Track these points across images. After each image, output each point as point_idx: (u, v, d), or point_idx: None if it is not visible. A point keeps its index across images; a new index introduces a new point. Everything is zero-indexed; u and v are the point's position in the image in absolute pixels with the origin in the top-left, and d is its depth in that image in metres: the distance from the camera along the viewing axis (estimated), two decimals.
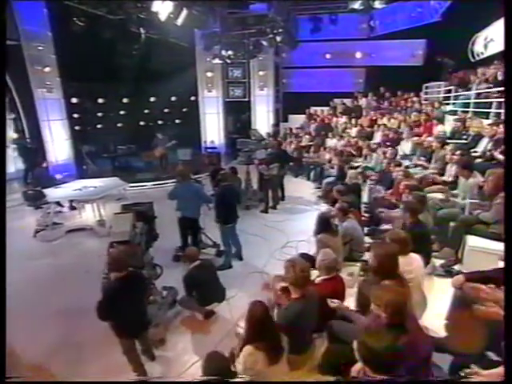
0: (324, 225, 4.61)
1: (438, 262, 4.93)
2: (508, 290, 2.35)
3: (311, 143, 12.05)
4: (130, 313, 3.31)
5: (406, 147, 8.99)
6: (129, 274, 3.26)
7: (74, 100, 12.23)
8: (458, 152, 6.57)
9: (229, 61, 12.69)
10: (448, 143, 7.67)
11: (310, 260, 3.94)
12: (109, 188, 8.19)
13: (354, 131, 11.91)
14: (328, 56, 15.44)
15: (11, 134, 11.34)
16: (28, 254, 6.38)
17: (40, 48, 11.06)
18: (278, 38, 10.65)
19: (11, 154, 11.21)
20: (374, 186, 7.29)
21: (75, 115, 12.43)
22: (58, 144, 11.79)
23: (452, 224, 5.11)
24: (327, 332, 3.33)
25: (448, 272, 4.66)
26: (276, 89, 15.67)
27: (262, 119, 15.36)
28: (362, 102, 13.95)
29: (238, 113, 15.38)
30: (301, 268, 3.03)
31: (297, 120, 15.48)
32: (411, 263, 3.40)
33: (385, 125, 11.08)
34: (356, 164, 9.10)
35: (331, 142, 11.71)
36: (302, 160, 11.32)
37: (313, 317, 3.15)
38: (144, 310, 3.63)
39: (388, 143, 9.58)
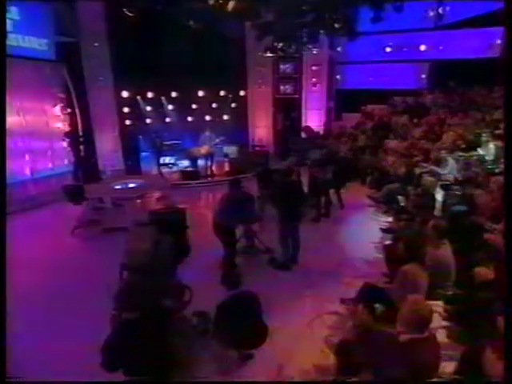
0: (413, 251, 3.40)
1: None
2: (508, 289, 2.25)
3: (368, 144, 10.69)
4: (148, 360, 2.43)
5: (487, 151, 7.40)
6: (145, 314, 2.37)
7: (125, 94, 11.85)
8: None
9: (281, 53, 11.64)
10: None
11: (379, 298, 2.86)
12: (150, 186, 7.54)
13: (417, 132, 10.35)
14: (388, 49, 13.80)
15: (65, 128, 11.24)
16: (58, 253, 5.85)
17: (96, 44, 10.92)
18: (337, 26, 9.38)
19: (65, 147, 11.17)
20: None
21: (125, 109, 12.06)
22: (108, 139, 11.55)
23: None
24: None
25: None
26: (329, 85, 14.36)
27: (313, 117, 14.14)
28: (427, 99, 12.24)
29: (288, 110, 14.26)
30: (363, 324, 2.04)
31: (351, 119, 14.07)
32: None
33: (458, 124, 9.43)
34: (424, 170, 7.66)
35: (392, 144, 10.25)
36: (357, 163, 10.01)
37: None
38: (167, 353, 2.73)
39: (463, 146, 8.02)
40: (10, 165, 10.00)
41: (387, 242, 5.41)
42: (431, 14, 12.16)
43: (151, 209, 6.21)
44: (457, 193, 5.89)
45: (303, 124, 13.72)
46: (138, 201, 7.48)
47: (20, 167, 10.25)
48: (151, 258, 2.84)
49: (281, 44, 10.53)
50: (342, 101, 14.91)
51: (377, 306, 3.57)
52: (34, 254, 5.90)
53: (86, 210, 6.93)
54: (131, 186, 7.36)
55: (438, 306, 3.47)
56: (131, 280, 2.56)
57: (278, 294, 4.42)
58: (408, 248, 3.35)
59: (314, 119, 14.05)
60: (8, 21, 9.09)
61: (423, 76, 13.72)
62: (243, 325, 3.30)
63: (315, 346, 3.64)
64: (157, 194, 7.96)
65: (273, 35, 10.48)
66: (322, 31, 10.08)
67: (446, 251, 3.55)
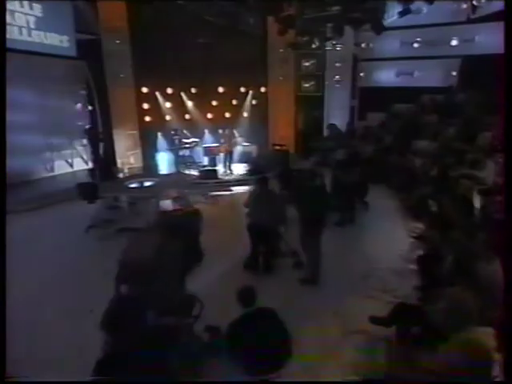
0: (462, 267, 2.89)
1: None
2: (508, 289, 2.30)
3: (395, 145, 10.06)
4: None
5: None
6: (142, 336, 1.99)
7: (145, 90, 11.63)
8: None
9: (303, 50, 11.14)
10: None
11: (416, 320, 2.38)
12: (167, 185, 7.23)
13: (449, 132, 9.63)
14: (416, 45, 13.02)
15: (85, 125, 11.15)
16: (69, 252, 5.64)
17: (117, 41, 10.81)
18: (362, 20, 8.78)
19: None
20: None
21: (145, 105, 11.84)
22: (127, 136, 11.37)
23: None
24: None
25: None
26: (353, 83, 13.72)
27: (336, 116, 13.52)
28: (459, 97, 11.43)
29: (309, 108, 13.71)
30: None
31: (376, 118, 13.38)
32: None
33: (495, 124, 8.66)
34: (459, 173, 7.00)
35: (421, 144, 9.58)
36: (383, 164, 9.40)
37: None
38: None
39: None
40: (30, 162, 9.99)
41: (419, 252, 4.88)
42: (464, 5, 11.32)
43: (163, 210, 5.94)
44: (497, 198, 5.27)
45: (325, 123, 13.16)
46: (154, 200, 7.20)
47: (40, 164, 10.22)
48: (152, 267, 2.44)
49: (305, 38, 9.99)
50: (366, 99, 14.18)
51: (414, 328, 3.11)
52: (47, 253, 5.69)
53: (100, 209, 6.66)
54: (147, 184, 7.07)
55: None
56: (122, 300, 2.18)
57: (297, 308, 3.98)
58: (457, 263, 2.84)
59: (336, 118, 13.43)
60: (31, 18, 9.02)
61: (453, 73, 12.87)
62: (260, 344, 2.88)
63: (341, 371, 3.19)
64: (173, 193, 7.65)
65: (295, 30, 9.97)
66: (347, 25, 9.48)
67: (498, 267, 3.01)
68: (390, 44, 13.13)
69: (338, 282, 4.64)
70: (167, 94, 11.99)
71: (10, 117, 9.09)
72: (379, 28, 9.54)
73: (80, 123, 11.13)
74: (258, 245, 4.83)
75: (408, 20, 11.58)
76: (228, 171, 10.74)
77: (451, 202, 5.46)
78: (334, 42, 11.06)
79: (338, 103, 13.55)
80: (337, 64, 13.08)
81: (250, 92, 12.79)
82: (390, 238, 5.85)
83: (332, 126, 8.81)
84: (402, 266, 4.97)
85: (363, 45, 13.57)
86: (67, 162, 10.85)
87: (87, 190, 6.47)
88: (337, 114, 13.52)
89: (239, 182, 9.74)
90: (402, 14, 11.22)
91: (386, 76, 13.87)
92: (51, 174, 10.43)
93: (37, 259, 5.44)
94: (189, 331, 2.99)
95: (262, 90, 12.97)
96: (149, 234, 2.66)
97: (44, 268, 5.18)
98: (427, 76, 13.02)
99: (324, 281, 4.66)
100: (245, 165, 10.91)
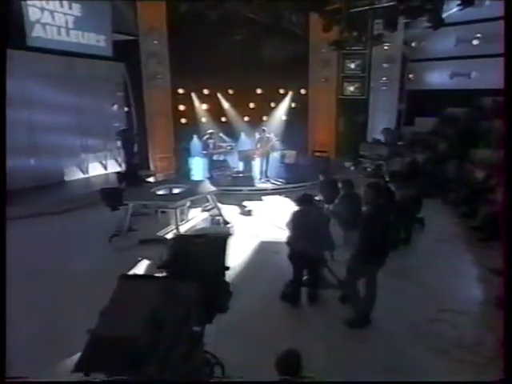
0: None
1: None
2: (508, 287, 2.19)
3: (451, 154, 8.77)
4: None
5: None
6: None
7: (181, 91, 11.12)
8: None
9: (347, 50, 10.10)
10: None
11: None
12: (196, 192, 6.52)
13: None
14: (475, 42, 11.53)
15: (121, 127, 10.80)
16: (80, 265, 5.08)
17: (155, 42, 10.44)
18: (420, 8, 7.63)
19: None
20: None
21: (181, 107, 11.32)
22: (161, 139, 10.90)
23: None
24: None
25: None
26: (401, 85, 12.45)
27: (380, 121, 12.31)
28: None
29: (352, 112, 12.60)
30: None
31: (426, 123, 12.03)
32: None
33: None
34: None
35: (482, 154, 8.25)
36: (437, 175, 8.16)
37: None
38: None
39: None
40: (65, 163, 9.75)
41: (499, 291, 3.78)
42: None
43: (179, 232, 5.25)
44: None
45: (369, 127, 12.02)
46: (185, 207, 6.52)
47: (74, 166, 9.96)
48: (144, 351, 1.63)
49: (352, 34, 8.94)
50: (415, 103, 12.88)
51: None
52: (55, 262, 5.18)
53: (125, 216, 6.06)
54: (176, 191, 6.40)
55: None
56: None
57: (341, 358, 3.08)
58: None
59: (380, 123, 12.24)
60: (70, 17, 8.74)
61: None
62: None
63: None
64: (205, 204, 6.96)
65: (342, 25, 8.96)
66: (400, 19, 8.35)
67: None
68: (444, 42, 11.79)
69: (393, 326, 3.66)
70: (204, 95, 11.43)
71: (49, 117, 9.10)
72: (438, 21, 8.30)
73: (116, 125, 10.80)
74: (300, 273, 3.97)
75: (467, 14, 10.16)
76: (264, 178, 9.94)
77: None
78: (383, 40, 9.94)
79: (384, 107, 12.33)
80: (384, 65, 11.91)
81: (289, 94, 11.93)
82: (456, 268, 4.75)
83: (387, 131, 7.65)
84: (478, 309, 3.90)
85: (413, 43, 12.33)
86: (101, 163, 10.55)
87: (110, 196, 5.91)
88: (381, 118, 12.31)
89: (276, 190, 8.91)
90: (463, 4, 9.82)
91: (439, 77, 12.51)
92: (85, 175, 10.15)
93: (42, 270, 4.90)
94: None
95: (302, 91, 12.07)
96: (149, 283, 1.87)
97: (44, 282, 4.59)
98: (487, 77, 11.47)
99: (376, 323, 3.70)
100: (282, 171, 10.06)
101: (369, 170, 5.92)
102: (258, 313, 3.86)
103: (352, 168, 8.85)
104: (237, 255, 4.89)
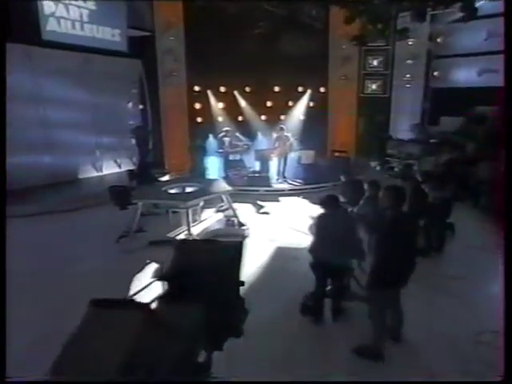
0: None
1: None
2: (508, 285, 2.20)
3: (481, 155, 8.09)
4: None
5: None
6: None
7: (197, 88, 10.78)
8: None
9: (369, 44, 9.51)
10: None
11: None
12: (210, 192, 6.13)
13: None
14: None
15: (136, 125, 10.54)
16: (83, 267, 4.75)
17: (171, 38, 10.20)
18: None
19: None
20: None
21: (197, 105, 10.99)
22: (176, 138, 10.58)
23: None
24: None
25: None
26: (425, 83, 11.78)
27: (402, 120, 11.67)
28: None
29: (373, 111, 12.00)
30: None
31: (451, 123, 11.30)
32: None
33: None
34: None
35: None
36: (466, 178, 7.52)
37: None
38: None
39: None
40: (80, 161, 9.54)
41: None
42: None
43: (190, 233, 4.84)
44: None
45: (391, 127, 11.41)
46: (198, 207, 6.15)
47: (89, 163, 9.74)
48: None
49: (376, 27, 8.36)
50: (440, 102, 12.15)
51: None
52: (58, 262, 4.87)
53: (135, 216, 5.72)
54: (188, 190, 6.03)
55: None
56: None
57: None
58: None
59: (403, 122, 11.62)
60: (84, 11, 8.51)
61: None
62: None
63: None
64: (220, 205, 6.56)
65: (365, 17, 8.40)
66: (429, 9, 7.72)
67: None
68: (473, 36, 11.04)
69: (426, 352, 3.13)
70: (220, 93, 11.07)
71: (64, 115, 8.89)
72: (471, 12, 7.63)
73: (131, 122, 10.56)
74: (323, 282, 3.50)
75: (499, 5, 9.43)
76: (281, 178, 9.49)
77: None
78: (407, 34, 9.33)
79: (407, 106, 11.70)
80: (408, 61, 11.29)
81: (308, 92, 11.43)
82: (497, 280, 4.17)
83: (419, 127, 6.93)
84: None
85: (439, 39, 11.64)
86: (115, 161, 10.31)
87: (118, 194, 5.57)
88: (403, 117, 11.70)
89: (294, 191, 8.44)
90: None
91: (466, 75, 11.74)
92: (99, 173, 9.92)
93: (44, 269, 4.60)
94: None
95: (322, 90, 11.55)
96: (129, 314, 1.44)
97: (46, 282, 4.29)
98: None
99: (409, 346, 3.18)
100: (301, 172, 9.59)
101: (396, 169, 5.36)
102: (274, 329, 3.41)
103: (378, 168, 8.27)
104: (252, 261, 4.45)
